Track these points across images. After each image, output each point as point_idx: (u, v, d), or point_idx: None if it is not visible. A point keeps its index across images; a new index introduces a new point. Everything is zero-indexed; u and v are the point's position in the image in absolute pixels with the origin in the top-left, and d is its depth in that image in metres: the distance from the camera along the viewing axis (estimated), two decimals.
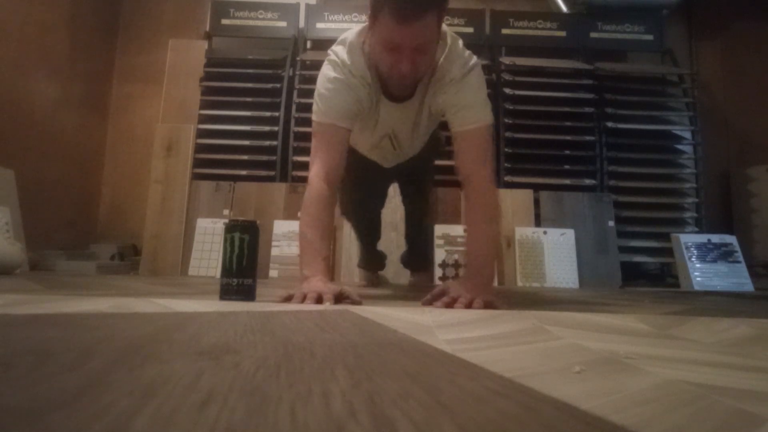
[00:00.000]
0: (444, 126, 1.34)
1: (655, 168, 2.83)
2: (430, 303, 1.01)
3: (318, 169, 1.15)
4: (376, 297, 1.35)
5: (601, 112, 2.82)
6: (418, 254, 2.10)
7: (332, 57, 1.18)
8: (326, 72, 1.18)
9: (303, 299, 0.95)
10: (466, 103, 1.16)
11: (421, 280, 2.16)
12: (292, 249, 2.37)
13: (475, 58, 1.19)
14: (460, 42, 1.18)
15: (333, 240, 1.24)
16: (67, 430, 0.22)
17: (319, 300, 0.95)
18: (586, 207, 2.66)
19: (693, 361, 0.47)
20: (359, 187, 1.66)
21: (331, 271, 2.44)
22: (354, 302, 1.01)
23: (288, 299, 0.97)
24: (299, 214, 1.19)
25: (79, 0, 2.86)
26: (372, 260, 2.04)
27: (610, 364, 0.43)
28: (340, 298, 1.00)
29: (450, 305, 0.96)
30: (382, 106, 1.22)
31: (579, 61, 2.92)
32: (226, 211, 2.61)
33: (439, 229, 2.48)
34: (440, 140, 1.70)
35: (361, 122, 1.26)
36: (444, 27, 1.13)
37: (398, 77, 1.09)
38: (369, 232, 1.91)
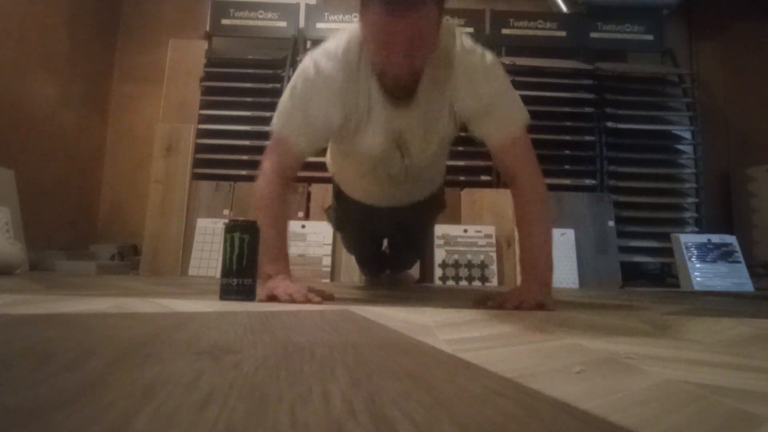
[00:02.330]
0: (466, 141, 1.29)
1: (655, 168, 2.83)
2: (484, 303, 1.00)
3: (272, 167, 1.10)
4: (377, 297, 1.35)
5: (601, 112, 2.81)
6: (402, 264, 1.99)
7: (308, 66, 1.06)
8: (302, 82, 1.07)
9: (290, 300, 0.95)
10: (500, 105, 1.07)
11: (402, 276, 2.07)
12: (292, 249, 2.37)
13: (491, 53, 1.09)
14: (469, 36, 1.10)
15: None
16: (67, 430, 0.22)
17: (304, 301, 0.95)
18: (586, 207, 2.66)
19: (693, 361, 0.47)
20: (357, 240, 1.66)
21: (335, 271, 2.44)
22: (326, 299, 1.02)
23: (273, 299, 0.97)
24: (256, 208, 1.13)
25: (79, 0, 2.86)
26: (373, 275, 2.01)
27: (610, 364, 0.43)
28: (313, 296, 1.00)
29: (500, 306, 0.96)
30: (384, 109, 1.08)
31: (579, 61, 2.92)
32: (226, 211, 2.61)
33: (439, 229, 2.48)
34: (443, 200, 1.63)
35: (358, 132, 1.12)
36: (449, 21, 1.06)
37: (393, 73, 0.99)
38: (371, 266, 1.90)
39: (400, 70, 0.98)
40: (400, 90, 1.06)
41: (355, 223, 1.57)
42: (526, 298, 0.96)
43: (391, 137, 1.13)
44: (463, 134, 1.22)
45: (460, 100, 1.07)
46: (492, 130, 1.08)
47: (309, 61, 1.06)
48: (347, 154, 1.28)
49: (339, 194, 1.52)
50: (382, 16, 0.90)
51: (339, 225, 1.68)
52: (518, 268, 2.46)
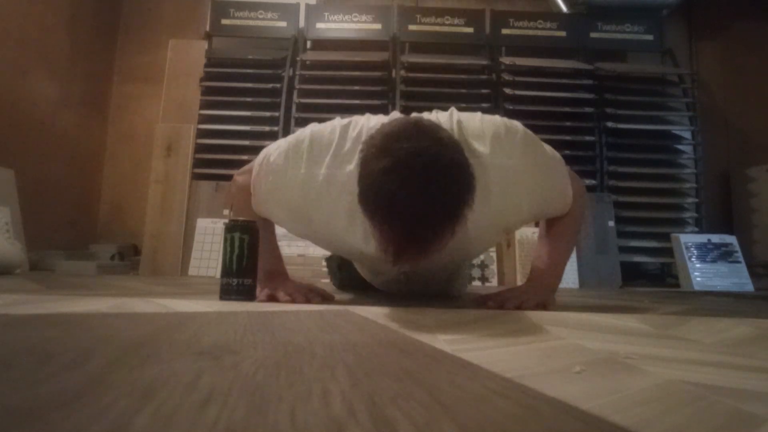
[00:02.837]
0: None
1: (655, 168, 2.83)
2: (484, 303, 1.00)
3: (245, 184, 1.02)
4: (377, 297, 1.35)
5: (601, 112, 2.82)
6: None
7: (302, 149, 0.90)
8: (289, 156, 0.91)
9: (290, 301, 0.96)
10: (549, 200, 0.96)
11: None
12: (292, 249, 2.37)
13: (502, 134, 0.89)
14: (476, 120, 0.91)
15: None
16: (67, 430, 0.22)
17: (304, 301, 0.96)
18: (586, 207, 2.66)
19: (693, 361, 0.47)
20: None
21: None
22: (326, 299, 1.01)
23: (272, 299, 0.97)
24: (228, 211, 1.05)
25: (79, 0, 2.86)
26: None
27: (610, 364, 0.43)
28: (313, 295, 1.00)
29: (500, 306, 0.95)
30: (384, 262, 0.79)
31: (579, 61, 2.92)
32: (226, 211, 2.60)
33: None
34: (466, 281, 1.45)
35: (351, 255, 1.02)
36: (449, 116, 0.91)
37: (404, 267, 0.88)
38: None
39: (414, 268, 0.88)
40: None
41: (360, 286, 1.40)
42: (527, 298, 0.96)
43: (393, 273, 1.03)
44: None
45: (504, 227, 0.98)
46: (552, 214, 1.02)
47: (305, 144, 0.91)
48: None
49: (343, 264, 1.40)
50: (392, 249, 0.70)
51: (342, 286, 1.53)
52: (518, 267, 2.47)
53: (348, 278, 1.41)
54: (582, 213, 1.06)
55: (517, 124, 0.93)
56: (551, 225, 1.05)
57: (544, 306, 0.95)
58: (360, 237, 0.88)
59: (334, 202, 0.88)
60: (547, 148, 0.97)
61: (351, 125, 0.92)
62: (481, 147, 0.86)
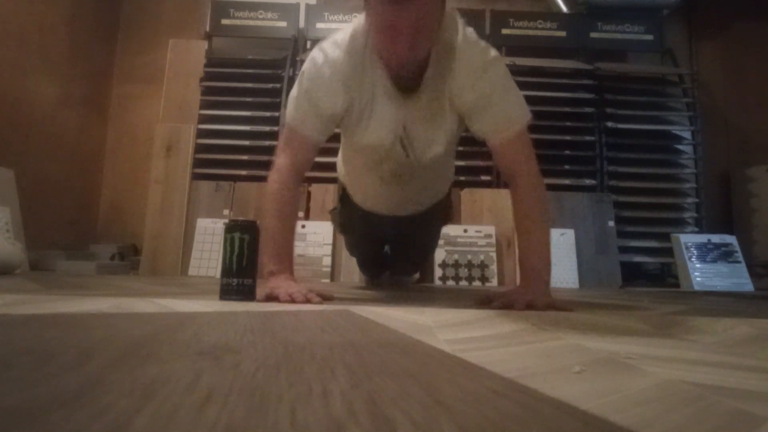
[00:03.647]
0: (466, 141, 1.27)
1: (655, 168, 2.83)
2: (486, 304, 1.00)
3: (285, 161, 1.12)
4: (377, 297, 1.35)
5: (601, 112, 2.82)
6: (404, 270, 1.98)
7: (316, 54, 1.09)
8: (309, 70, 1.09)
9: (290, 301, 0.95)
10: (498, 101, 1.05)
11: (402, 278, 2.06)
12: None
13: (493, 49, 1.07)
14: (473, 30, 1.08)
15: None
16: (67, 430, 0.22)
17: (304, 301, 0.96)
18: (586, 207, 2.66)
19: (693, 361, 0.47)
20: (360, 244, 1.67)
21: (336, 271, 2.44)
22: (326, 299, 1.02)
23: (273, 299, 0.97)
24: (265, 204, 1.13)
25: (79, 0, 2.86)
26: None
27: (610, 364, 0.43)
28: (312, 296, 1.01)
29: (508, 306, 0.95)
30: (388, 100, 1.07)
31: (579, 61, 2.92)
32: (226, 211, 2.61)
33: None
34: (449, 212, 1.63)
35: (361, 121, 1.11)
36: (451, 10, 1.05)
37: (397, 61, 1.00)
38: (372, 269, 1.89)
39: (403, 57, 0.98)
40: (406, 80, 1.05)
41: (359, 228, 1.57)
42: (536, 299, 0.96)
43: (395, 131, 1.12)
44: (464, 134, 1.21)
45: (458, 92, 1.05)
46: (490, 126, 1.07)
47: (317, 50, 1.09)
48: (354, 147, 1.26)
49: (344, 198, 1.51)
50: (385, 5, 0.91)
51: (343, 228, 1.68)
52: (518, 267, 2.47)
53: (349, 215, 1.53)
54: (545, 196, 1.13)
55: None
56: (521, 216, 1.10)
57: (555, 307, 0.95)
58: (368, 83, 1.06)
59: (337, 64, 1.05)
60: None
61: (315, 51, 1.10)
62: (463, 36, 1.03)
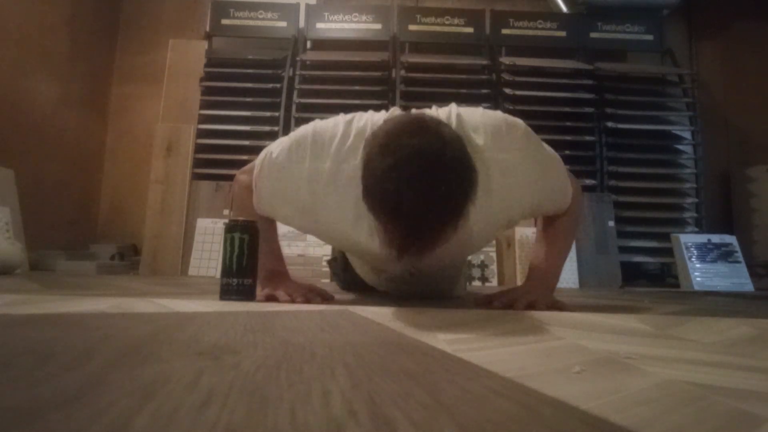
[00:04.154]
0: None
1: (655, 168, 2.83)
2: (488, 303, 0.99)
3: (247, 183, 1.02)
4: (377, 297, 1.35)
5: (601, 112, 2.82)
6: None
7: (305, 143, 0.90)
8: (291, 150, 0.91)
9: (290, 301, 0.96)
10: (547, 198, 0.96)
11: None
12: (292, 249, 2.37)
13: (503, 130, 0.89)
14: (476, 116, 0.90)
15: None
16: (67, 430, 0.22)
17: (304, 301, 0.96)
18: (586, 207, 2.66)
19: (693, 361, 0.47)
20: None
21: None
22: (325, 299, 1.01)
23: (271, 299, 0.97)
24: (230, 210, 1.03)
25: (79, 0, 2.86)
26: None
27: (610, 364, 0.43)
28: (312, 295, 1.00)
29: (509, 306, 0.95)
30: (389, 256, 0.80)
31: (579, 61, 2.92)
32: (226, 211, 2.61)
33: None
34: (464, 281, 1.48)
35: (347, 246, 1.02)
36: (447, 111, 0.90)
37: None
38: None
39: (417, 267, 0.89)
40: None
41: (363, 287, 1.42)
42: (538, 299, 0.95)
43: (398, 269, 1.03)
44: None
45: (507, 221, 0.95)
46: (546, 214, 1.03)
47: (309, 139, 0.90)
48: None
49: (345, 261, 1.40)
50: (395, 247, 0.70)
51: (345, 287, 1.54)
52: (518, 267, 2.47)
53: (352, 280, 1.41)
54: (580, 213, 1.08)
55: (518, 121, 0.93)
56: (549, 224, 1.05)
57: (557, 307, 0.95)
58: (366, 232, 0.88)
59: (342, 195, 0.87)
60: (546, 146, 0.98)
61: (355, 120, 0.91)
62: (481, 140, 0.86)
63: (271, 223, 1.08)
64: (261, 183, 0.97)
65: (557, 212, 1.02)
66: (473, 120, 0.89)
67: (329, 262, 1.66)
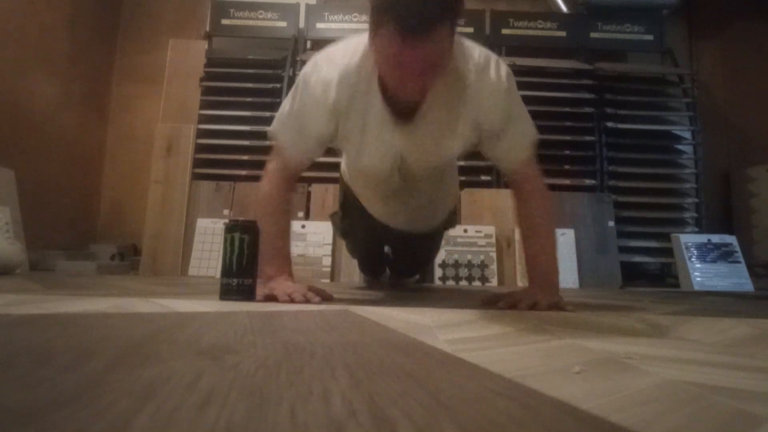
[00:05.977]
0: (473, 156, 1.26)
1: (655, 168, 2.83)
2: (495, 303, 1.00)
3: (275, 165, 1.10)
4: (377, 297, 1.35)
5: (601, 112, 2.82)
6: (405, 272, 1.93)
7: (310, 71, 1.03)
8: (301, 86, 1.04)
9: (290, 301, 0.96)
10: (513, 126, 1.03)
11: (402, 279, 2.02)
12: (292, 249, 2.37)
13: (493, 56, 1.01)
14: (472, 43, 1.02)
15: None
16: (67, 430, 0.22)
17: (303, 301, 0.96)
18: (586, 207, 2.66)
19: (693, 361, 0.47)
20: (361, 247, 1.67)
21: (340, 272, 2.43)
22: (325, 299, 1.02)
23: (271, 299, 0.97)
24: (255, 207, 1.14)
25: (79, 0, 2.86)
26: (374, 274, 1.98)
27: (610, 364, 0.43)
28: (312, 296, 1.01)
29: (512, 306, 0.96)
30: (382, 127, 1.03)
31: (579, 61, 2.92)
32: (226, 211, 2.61)
33: None
34: (455, 214, 1.61)
35: (351, 146, 1.10)
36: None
37: (403, 97, 0.96)
38: (373, 269, 1.88)
39: (412, 94, 0.94)
40: (404, 109, 1.01)
41: (360, 234, 1.56)
42: (540, 299, 0.96)
43: (391, 160, 1.10)
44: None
45: (473, 120, 1.02)
46: (504, 153, 1.07)
47: (311, 66, 1.04)
48: (351, 166, 1.27)
49: (346, 202, 1.50)
50: (396, 40, 0.83)
51: (344, 233, 1.67)
52: (518, 267, 2.47)
53: (350, 226, 1.54)
54: (551, 199, 1.13)
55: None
56: (528, 214, 1.09)
57: (558, 307, 0.96)
58: (359, 109, 1.01)
59: (329, 87, 1.00)
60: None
61: (310, 66, 1.05)
62: (476, 54, 1.00)
63: (279, 220, 1.09)
64: (281, 119, 1.09)
65: (519, 162, 1.07)
66: (473, 45, 1.02)
67: (331, 216, 1.77)
